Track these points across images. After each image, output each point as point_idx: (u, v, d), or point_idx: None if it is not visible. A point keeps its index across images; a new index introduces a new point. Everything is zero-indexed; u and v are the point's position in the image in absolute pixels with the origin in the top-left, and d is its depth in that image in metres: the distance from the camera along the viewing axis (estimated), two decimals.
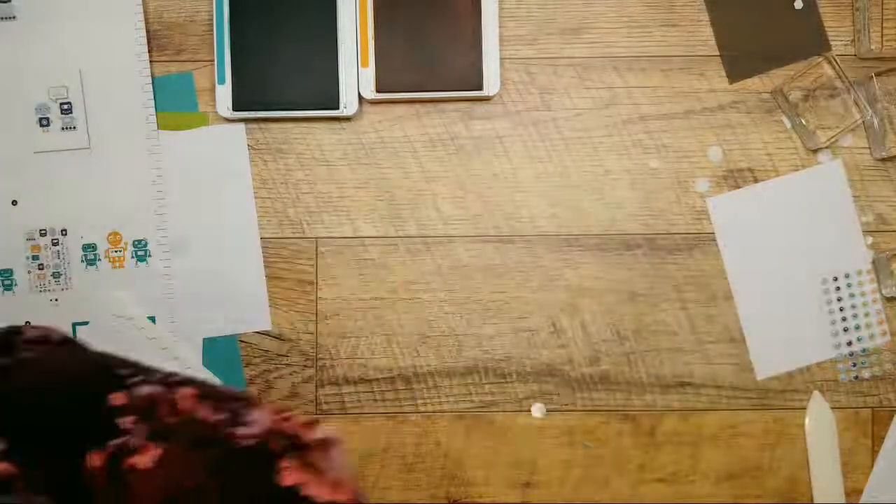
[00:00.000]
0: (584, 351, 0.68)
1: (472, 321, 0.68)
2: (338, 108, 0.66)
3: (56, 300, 0.67)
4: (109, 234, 0.67)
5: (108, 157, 0.67)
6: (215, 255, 0.68)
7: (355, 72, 0.66)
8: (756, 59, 0.68)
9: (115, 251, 0.67)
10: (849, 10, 0.68)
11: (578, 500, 0.68)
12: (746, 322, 0.68)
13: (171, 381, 0.45)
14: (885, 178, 0.68)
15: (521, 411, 0.68)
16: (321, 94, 0.66)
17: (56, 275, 0.67)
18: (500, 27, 0.67)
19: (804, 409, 0.69)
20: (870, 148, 0.68)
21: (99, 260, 0.67)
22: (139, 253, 0.67)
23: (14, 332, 0.47)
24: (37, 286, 0.67)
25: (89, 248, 0.67)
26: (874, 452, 0.69)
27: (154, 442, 0.42)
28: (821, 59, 0.67)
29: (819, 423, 0.68)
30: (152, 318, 0.67)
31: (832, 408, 0.68)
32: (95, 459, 0.42)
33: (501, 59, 0.67)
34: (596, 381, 0.68)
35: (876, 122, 0.67)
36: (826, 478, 0.68)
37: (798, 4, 0.68)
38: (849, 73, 0.67)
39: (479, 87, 0.66)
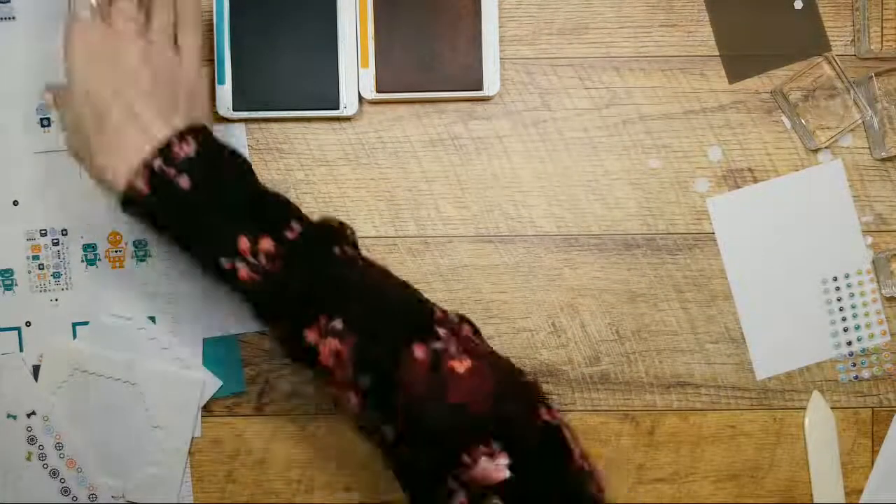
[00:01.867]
0: (584, 351, 0.68)
1: (472, 321, 0.68)
2: (338, 108, 0.66)
3: (56, 300, 0.67)
4: (110, 235, 0.67)
5: None
6: None
7: (355, 72, 0.66)
8: (756, 60, 0.68)
9: (116, 251, 0.67)
10: (849, 10, 0.68)
11: None
12: (746, 322, 0.68)
13: (456, 314, 0.56)
14: (884, 178, 0.68)
15: None
16: (321, 94, 0.66)
17: (56, 275, 0.67)
18: (500, 27, 0.67)
19: (804, 409, 0.69)
20: (870, 148, 0.68)
21: (99, 260, 0.67)
22: (139, 253, 0.67)
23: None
24: (37, 286, 0.67)
25: (89, 247, 0.67)
26: (874, 452, 0.69)
27: (464, 355, 0.51)
28: (821, 59, 0.67)
29: (819, 423, 0.68)
30: (152, 318, 0.67)
31: (832, 408, 0.68)
32: (419, 351, 0.51)
33: (501, 59, 0.67)
34: (596, 381, 0.69)
35: (876, 122, 0.67)
36: (826, 478, 0.68)
37: (798, 4, 0.68)
38: (849, 73, 0.67)
39: (479, 87, 0.66)
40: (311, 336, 0.52)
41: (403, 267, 0.68)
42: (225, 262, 0.53)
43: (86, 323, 0.67)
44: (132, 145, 0.53)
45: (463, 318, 0.56)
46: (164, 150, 0.52)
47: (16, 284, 0.67)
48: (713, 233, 0.68)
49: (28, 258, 0.67)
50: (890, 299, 0.68)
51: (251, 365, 0.68)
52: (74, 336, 0.67)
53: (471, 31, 0.66)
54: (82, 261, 0.67)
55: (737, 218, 0.68)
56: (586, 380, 0.68)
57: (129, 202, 0.54)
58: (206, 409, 0.68)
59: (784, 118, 0.68)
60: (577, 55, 0.68)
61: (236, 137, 0.67)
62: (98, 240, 0.67)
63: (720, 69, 0.68)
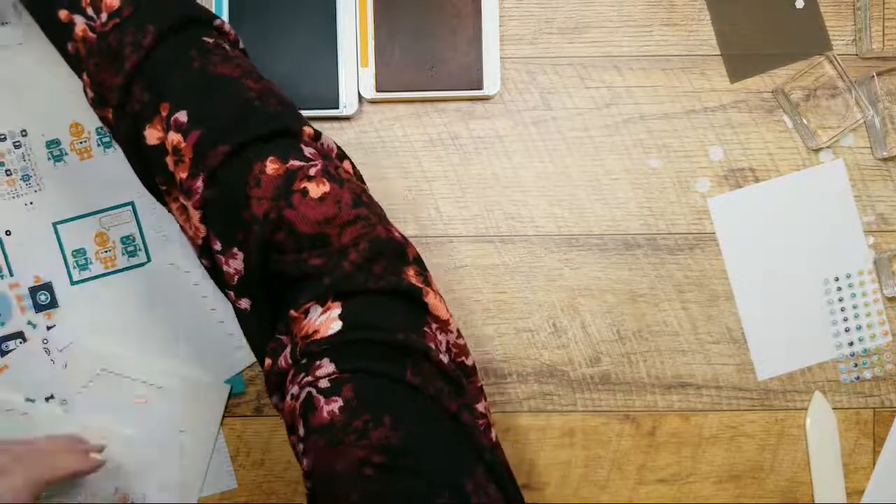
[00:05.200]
0: (585, 351, 0.68)
1: (472, 321, 0.68)
2: (338, 107, 0.66)
3: (31, 203, 0.66)
4: (71, 126, 0.65)
5: (46, 49, 0.61)
6: None
7: (355, 72, 0.66)
8: (757, 59, 0.68)
9: (80, 142, 0.66)
10: (850, 9, 0.68)
11: (578, 500, 0.68)
12: (747, 322, 0.68)
13: (337, 147, 0.51)
14: (886, 177, 0.68)
15: (521, 412, 0.68)
16: (321, 93, 0.66)
17: (26, 178, 0.65)
18: (500, 27, 0.67)
19: (805, 409, 0.68)
20: (871, 147, 0.68)
21: (66, 154, 0.66)
22: (105, 140, 0.66)
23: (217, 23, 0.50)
24: (9, 193, 0.66)
25: (53, 143, 0.66)
26: (875, 453, 0.68)
27: (325, 179, 0.45)
28: (822, 58, 0.67)
29: (820, 423, 0.68)
30: (132, 205, 0.66)
31: (833, 408, 0.68)
32: (271, 165, 0.45)
33: (501, 58, 0.67)
34: (596, 382, 0.68)
35: (877, 121, 0.67)
36: (827, 478, 0.68)
37: (799, 3, 0.68)
38: (850, 72, 0.67)
39: (479, 87, 0.66)
40: (152, 135, 0.46)
41: None
42: (62, 13, 0.47)
43: (64, 221, 0.66)
44: None
45: (345, 155, 0.51)
46: None
47: None
48: (714, 233, 0.68)
49: None
50: (891, 299, 0.68)
51: (251, 366, 0.68)
52: (57, 237, 0.66)
53: (471, 30, 0.66)
54: (49, 159, 0.65)
55: (738, 218, 0.68)
56: (587, 380, 0.68)
57: None
58: None
59: (785, 117, 0.68)
60: (578, 54, 0.68)
61: None
62: (60, 134, 0.65)
63: (721, 68, 0.68)
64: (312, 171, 0.46)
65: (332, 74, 0.66)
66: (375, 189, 0.68)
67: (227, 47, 0.49)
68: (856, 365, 0.68)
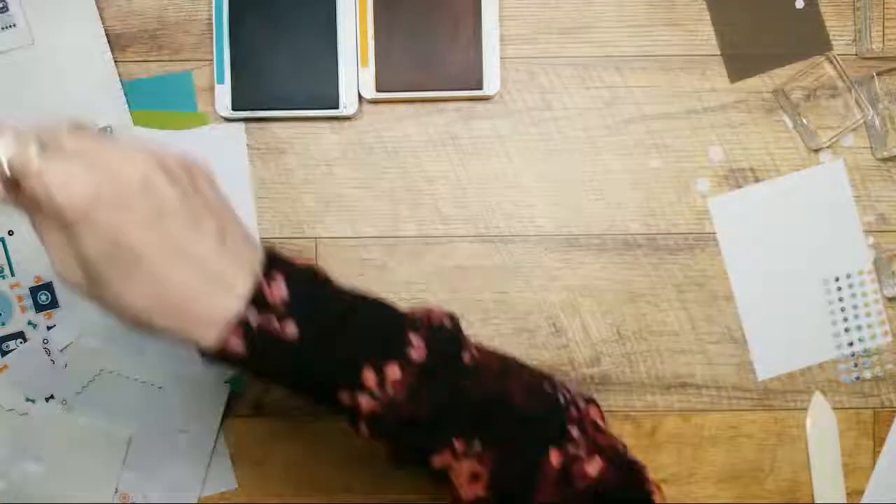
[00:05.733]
0: (585, 351, 0.68)
1: (472, 321, 0.68)
2: (338, 107, 0.66)
3: None
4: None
5: (53, 51, 0.64)
6: None
7: (355, 71, 0.66)
8: (757, 59, 0.68)
9: None
10: (850, 9, 0.68)
11: None
12: (747, 322, 0.68)
13: (584, 398, 0.52)
14: (886, 177, 0.68)
15: None
16: (321, 93, 0.66)
17: None
18: (500, 27, 0.67)
19: (805, 409, 0.68)
20: (871, 147, 0.68)
21: None
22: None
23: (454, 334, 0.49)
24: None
25: None
26: (876, 453, 0.68)
27: (594, 455, 0.48)
28: (822, 58, 0.67)
29: (820, 423, 0.68)
30: None
31: (834, 408, 0.68)
32: (554, 457, 0.47)
33: (501, 58, 0.67)
34: (597, 382, 0.68)
35: (877, 121, 0.67)
36: (827, 479, 0.68)
37: (799, 4, 0.68)
38: (850, 72, 0.67)
39: (479, 87, 0.66)
40: (439, 461, 0.47)
41: (403, 268, 0.68)
42: (346, 398, 0.45)
43: None
44: (207, 301, 0.41)
45: (589, 401, 0.52)
46: (257, 300, 0.42)
47: None
48: (714, 233, 0.68)
49: None
50: (891, 299, 0.68)
51: None
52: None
53: (471, 30, 0.66)
54: None
55: (738, 218, 0.68)
56: (587, 380, 0.68)
57: (218, 359, 0.43)
58: None
59: (785, 117, 0.68)
60: (578, 54, 0.68)
61: (235, 137, 0.67)
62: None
63: (721, 68, 0.68)
64: (584, 452, 0.48)
65: (332, 74, 0.66)
66: (375, 189, 0.68)
67: (476, 353, 0.49)
68: (856, 365, 0.68)
